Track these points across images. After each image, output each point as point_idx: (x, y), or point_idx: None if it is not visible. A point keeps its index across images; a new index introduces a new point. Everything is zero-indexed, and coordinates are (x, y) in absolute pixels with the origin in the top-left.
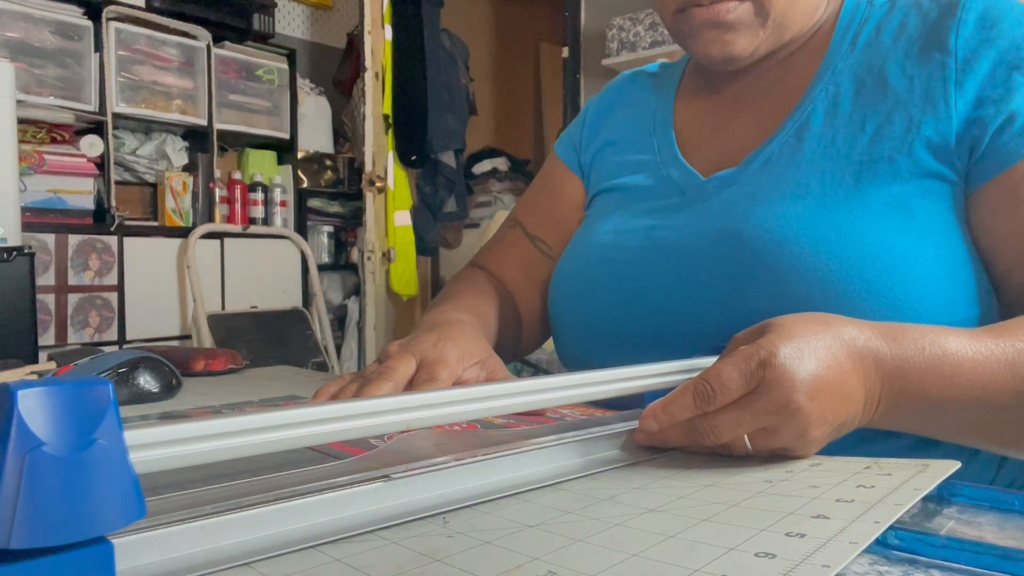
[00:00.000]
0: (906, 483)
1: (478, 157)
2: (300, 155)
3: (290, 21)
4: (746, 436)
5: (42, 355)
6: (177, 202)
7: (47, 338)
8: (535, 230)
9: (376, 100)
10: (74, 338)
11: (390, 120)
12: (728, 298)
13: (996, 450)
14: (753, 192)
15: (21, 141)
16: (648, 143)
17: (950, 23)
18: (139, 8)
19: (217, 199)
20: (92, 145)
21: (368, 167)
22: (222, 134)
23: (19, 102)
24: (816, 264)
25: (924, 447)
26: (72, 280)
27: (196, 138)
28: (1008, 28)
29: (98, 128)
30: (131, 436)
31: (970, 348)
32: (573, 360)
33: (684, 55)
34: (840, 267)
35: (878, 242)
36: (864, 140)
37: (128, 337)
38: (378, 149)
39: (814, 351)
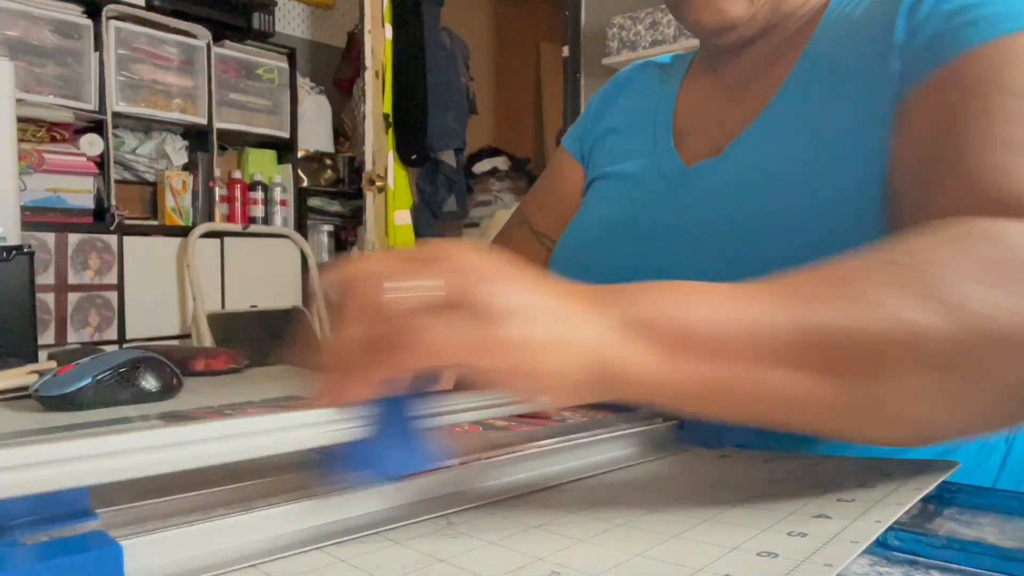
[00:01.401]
0: (906, 483)
1: (478, 156)
2: (300, 154)
3: (290, 20)
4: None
5: (42, 354)
6: (177, 201)
7: (47, 337)
8: (541, 227)
9: (376, 99)
10: (74, 337)
11: (390, 119)
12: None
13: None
14: (730, 181)
15: (21, 140)
16: (646, 130)
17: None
18: (139, 7)
19: (217, 198)
20: (92, 144)
21: (368, 166)
22: (222, 133)
23: (19, 101)
24: (791, 251)
25: (929, 450)
26: (72, 279)
27: (196, 137)
28: None
29: (98, 127)
30: (135, 438)
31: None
32: None
33: (695, 48)
34: (815, 254)
35: (853, 226)
36: (833, 118)
37: (128, 336)
38: (378, 148)
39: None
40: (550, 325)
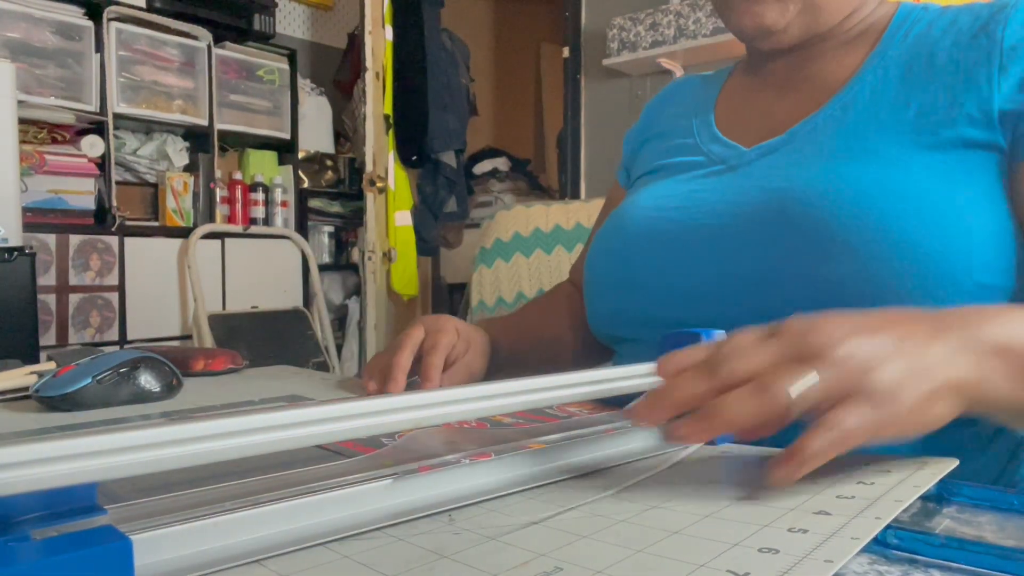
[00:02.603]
0: (905, 480)
1: (479, 157)
2: (301, 155)
3: (291, 21)
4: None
5: (42, 355)
6: (178, 202)
7: (48, 338)
8: None
9: (376, 100)
10: (75, 338)
11: (390, 120)
12: (766, 253)
13: None
14: (797, 157)
15: (22, 141)
16: (688, 127)
17: (1000, 16)
18: (140, 8)
19: (218, 199)
20: (93, 145)
21: (369, 167)
22: (223, 134)
23: (20, 102)
24: (855, 215)
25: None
26: (73, 280)
27: (197, 138)
28: None
29: (99, 128)
30: (143, 435)
31: None
32: (605, 324)
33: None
34: (879, 221)
35: (918, 199)
36: (909, 115)
37: (129, 337)
38: (379, 149)
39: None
40: (912, 354)
